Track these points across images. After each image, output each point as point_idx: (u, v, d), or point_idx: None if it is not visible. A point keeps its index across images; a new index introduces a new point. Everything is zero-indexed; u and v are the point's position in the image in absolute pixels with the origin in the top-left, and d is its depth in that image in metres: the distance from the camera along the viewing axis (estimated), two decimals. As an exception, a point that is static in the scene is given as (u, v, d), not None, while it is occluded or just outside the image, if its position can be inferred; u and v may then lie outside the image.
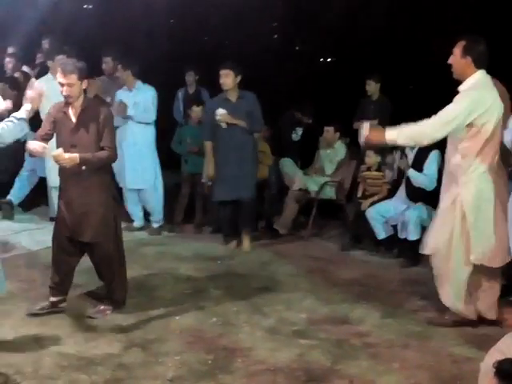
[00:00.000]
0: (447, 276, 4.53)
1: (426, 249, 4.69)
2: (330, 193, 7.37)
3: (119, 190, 7.22)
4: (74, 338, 4.37)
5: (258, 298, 5.22)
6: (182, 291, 5.33)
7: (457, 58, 4.38)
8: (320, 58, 12.63)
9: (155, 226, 7.13)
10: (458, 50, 4.38)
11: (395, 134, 4.37)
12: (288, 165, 7.55)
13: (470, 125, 4.29)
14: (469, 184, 4.38)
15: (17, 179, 7.41)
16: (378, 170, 6.75)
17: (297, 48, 12.24)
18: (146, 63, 7.78)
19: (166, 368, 3.99)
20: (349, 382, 3.84)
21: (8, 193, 7.19)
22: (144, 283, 5.49)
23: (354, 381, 3.85)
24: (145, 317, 4.76)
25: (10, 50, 8.14)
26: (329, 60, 12.84)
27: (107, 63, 7.74)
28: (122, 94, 7.01)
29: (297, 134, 7.83)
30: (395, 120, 4.70)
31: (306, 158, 7.71)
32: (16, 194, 7.40)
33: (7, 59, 8.06)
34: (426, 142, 4.55)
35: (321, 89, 10.10)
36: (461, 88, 4.39)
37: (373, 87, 7.89)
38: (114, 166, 7.03)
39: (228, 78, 6.33)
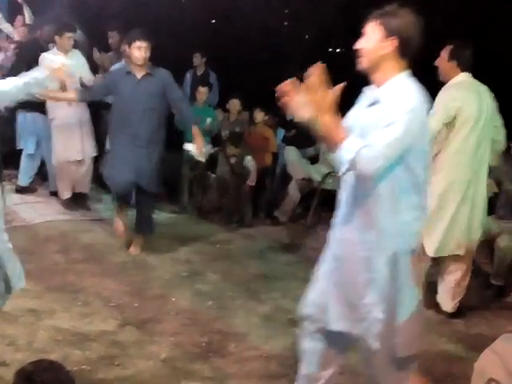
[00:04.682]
0: None
1: None
2: (332, 183, 7.34)
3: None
4: (69, 312, 4.40)
5: (255, 284, 5.24)
6: (179, 273, 5.35)
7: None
8: (330, 47, 12.55)
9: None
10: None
11: None
12: (292, 153, 7.52)
13: None
14: None
15: None
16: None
17: (306, 36, 12.15)
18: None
19: (159, 348, 4.02)
20: (339, 372, 3.84)
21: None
22: (142, 262, 5.50)
23: (344, 371, 3.86)
24: (141, 296, 4.78)
25: (27, 20, 8.22)
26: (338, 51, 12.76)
27: (113, 37, 7.70)
28: None
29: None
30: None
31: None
32: None
33: (21, 28, 8.13)
34: None
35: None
36: None
37: None
38: None
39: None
